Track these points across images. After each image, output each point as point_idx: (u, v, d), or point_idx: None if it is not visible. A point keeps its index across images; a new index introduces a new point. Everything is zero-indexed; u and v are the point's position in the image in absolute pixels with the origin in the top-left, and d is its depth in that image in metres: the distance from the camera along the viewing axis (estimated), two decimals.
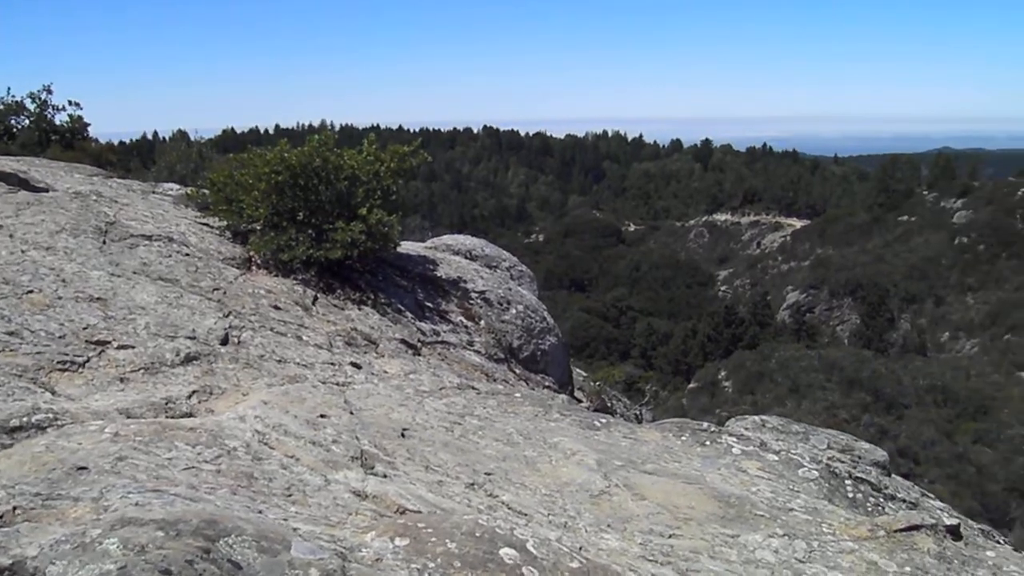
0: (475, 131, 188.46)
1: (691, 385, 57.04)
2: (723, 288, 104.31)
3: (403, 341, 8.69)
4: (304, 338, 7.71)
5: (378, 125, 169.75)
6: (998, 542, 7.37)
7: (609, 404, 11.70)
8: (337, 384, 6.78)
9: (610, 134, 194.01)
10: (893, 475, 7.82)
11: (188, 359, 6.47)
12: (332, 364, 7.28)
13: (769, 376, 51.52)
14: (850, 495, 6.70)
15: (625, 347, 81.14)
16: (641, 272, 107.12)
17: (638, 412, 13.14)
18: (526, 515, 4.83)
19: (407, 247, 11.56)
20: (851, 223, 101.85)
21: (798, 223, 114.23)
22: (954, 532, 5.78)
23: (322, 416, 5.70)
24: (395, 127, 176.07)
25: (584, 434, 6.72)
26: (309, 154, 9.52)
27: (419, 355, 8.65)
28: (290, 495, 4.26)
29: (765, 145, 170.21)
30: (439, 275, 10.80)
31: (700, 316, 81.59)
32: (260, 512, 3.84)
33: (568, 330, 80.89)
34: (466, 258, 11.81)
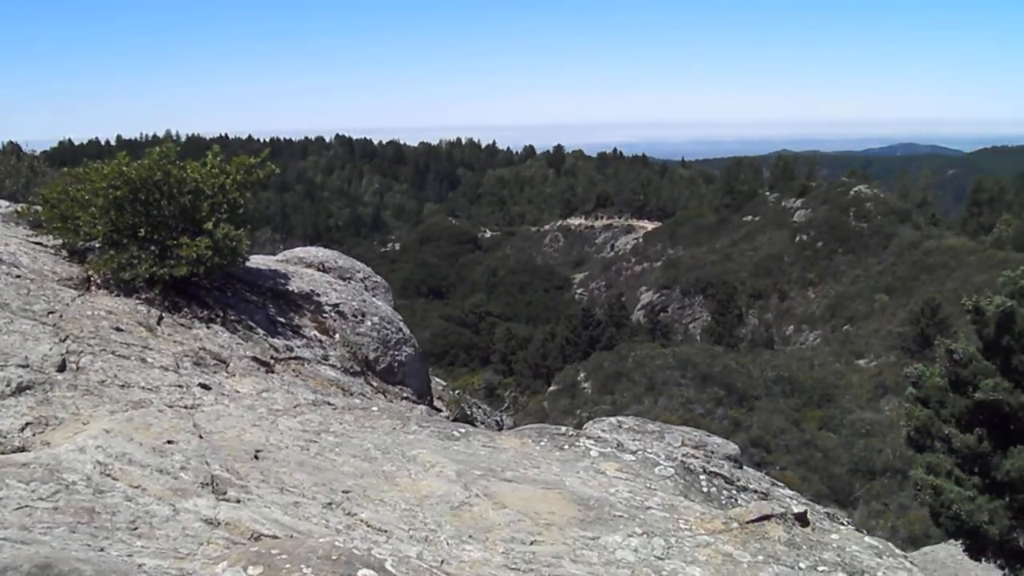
0: (327, 140, 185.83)
1: (551, 388, 57.64)
2: (579, 291, 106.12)
3: (255, 359, 8.43)
4: (149, 360, 7.37)
5: (226, 135, 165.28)
6: (842, 524, 7.73)
7: (469, 412, 11.67)
8: (185, 407, 6.51)
9: (464, 141, 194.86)
10: (745, 467, 8.10)
11: (20, 389, 6.06)
12: (180, 386, 6.98)
13: (627, 375, 52.62)
14: (705, 489, 6.89)
15: (485, 353, 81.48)
16: (499, 278, 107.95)
17: (499, 419, 13.17)
18: (386, 532, 4.74)
19: (257, 261, 11.23)
20: (699, 224, 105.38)
21: (649, 225, 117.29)
22: (802, 519, 6.01)
23: (169, 442, 5.45)
24: (244, 137, 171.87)
25: (443, 445, 6.67)
26: (149, 167, 9.11)
27: (272, 372, 8.41)
28: (135, 528, 4.05)
29: (616, 150, 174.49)
30: (291, 289, 10.54)
31: (558, 319, 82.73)
32: (102, 550, 3.63)
33: (428, 338, 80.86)
34: (319, 270, 11.57)
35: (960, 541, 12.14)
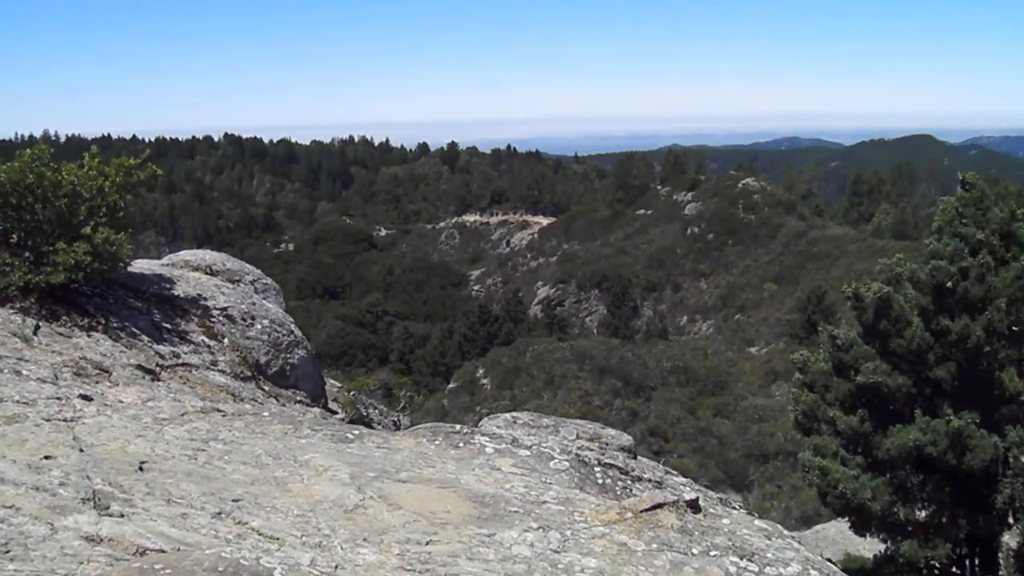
0: (216, 139, 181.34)
1: (451, 385, 57.57)
2: (476, 287, 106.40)
3: (140, 367, 8.15)
4: (24, 372, 7.05)
5: (109, 135, 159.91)
6: (734, 508, 7.94)
7: (365, 414, 11.55)
8: (64, 420, 6.24)
9: (357, 139, 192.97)
10: (639, 457, 8.23)
11: None
12: (58, 399, 6.69)
13: (525, 370, 52.94)
14: (600, 481, 6.97)
15: (383, 353, 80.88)
16: (395, 276, 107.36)
17: (396, 419, 13.07)
18: (278, 539, 4.64)
19: (141, 266, 10.87)
20: (593, 218, 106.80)
21: (544, 220, 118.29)
22: (694, 505, 6.13)
23: (47, 457, 5.22)
24: (128, 137, 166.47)
25: (337, 448, 6.58)
26: (20, 170, 8.70)
27: (158, 380, 8.15)
28: (8, 551, 3.86)
29: (509, 146, 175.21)
30: (177, 294, 10.23)
31: (455, 316, 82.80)
32: None
33: (324, 340, 79.82)
34: (206, 273, 11.26)
35: (846, 518, 12.61)
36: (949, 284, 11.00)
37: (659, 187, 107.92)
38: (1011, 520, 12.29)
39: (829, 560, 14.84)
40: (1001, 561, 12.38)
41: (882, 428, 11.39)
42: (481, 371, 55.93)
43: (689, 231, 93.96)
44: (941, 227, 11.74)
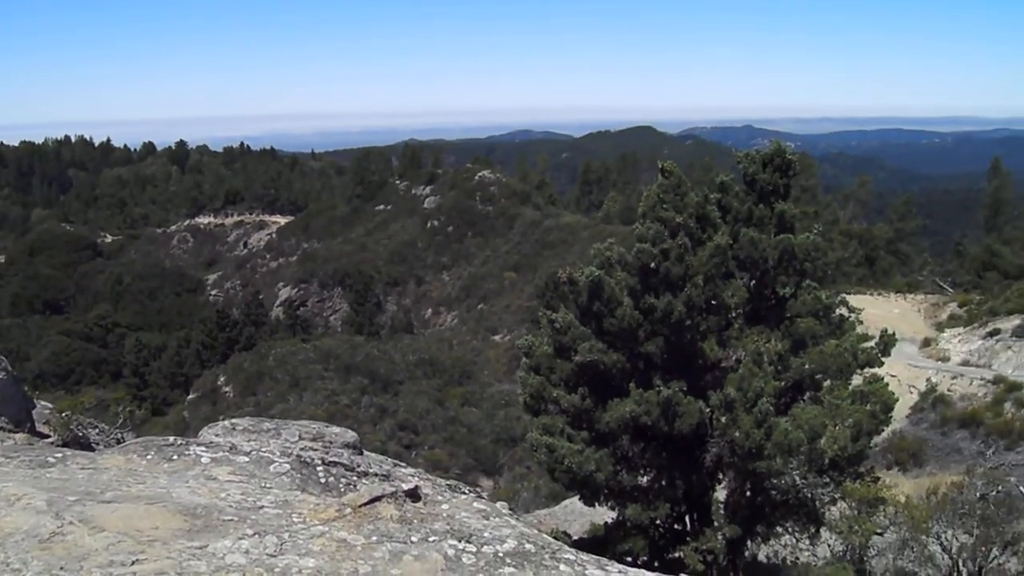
0: None
1: (190, 396, 55.07)
2: (214, 292, 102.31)
3: None
4: None
5: None
6: (463, 493, 8.15)
7: (82, 434, 10.85)
8: None
9: (74, 139, 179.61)
10: (365, 452, 8.26)
11: None
12: None
13: (269, 374, 51.55)
14: (323, 480, 6.94)
15: (116, 367, 76.01)
16: (124, 285, 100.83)
17: (120, 436, 12.37)
18: None
19: None
20: (333, 216, 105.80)
21: (283, 220, 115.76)
22: (413, 495, 6.27)
23: None
24: None
25: (34, 474, 6.15)
26: None
27: None
28: None
29: (243, 144, 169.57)
30: None
31: (192, 324, 79.16)
32: None
33: (48, 357, 74.10)
34: None
35: (576, 491, 13.31)
36: (653, 265, 11.84)
37: (397, 182, 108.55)
38: (720, 476, 13.45)
39: (565, 533, 15.62)
40: (714, 514, 13.52)
41: (602, 403, 12.10)
42: (222, 379, 53.92)
43: (429, 224, 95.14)
44: (645, 212, 12.59)
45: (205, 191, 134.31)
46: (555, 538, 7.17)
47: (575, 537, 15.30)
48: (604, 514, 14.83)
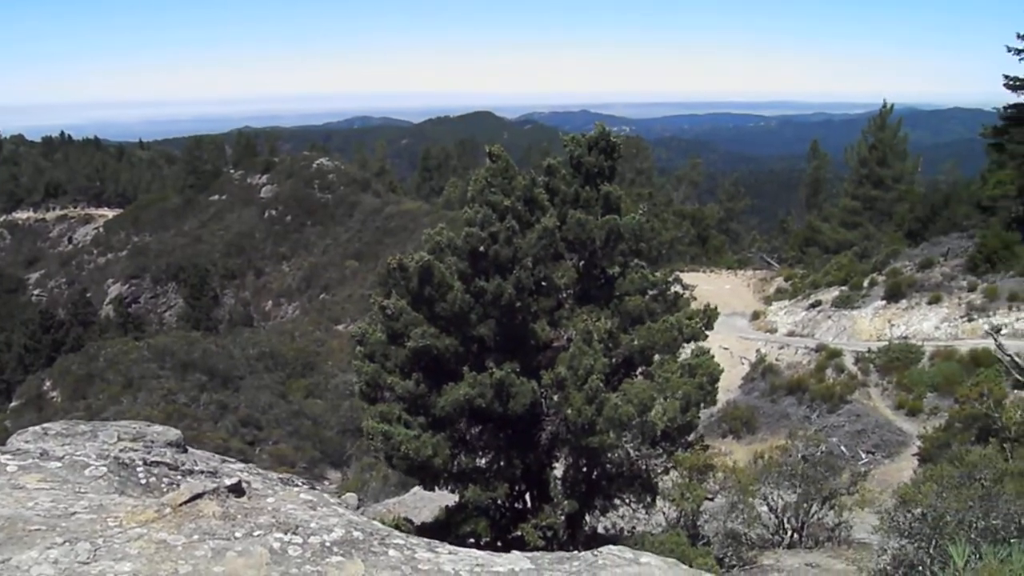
0: None
1: (13, 404, 52.01)
2: (36, 292, 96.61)
3: None
4: None
5: None
6: (296, 486, 8.07)
7: None
8: None
9: None
10: (190, 449, 8.05)
11: None
12: None
13: (100, 376, 49.30)
14: (143, 481, 6.72)
15: None
16: None
17: None
18: None
19: None
20: (165, 207, 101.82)
21: (110, 213, 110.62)
22: (236, 490, 6.16)
23: None
24: None
25: None
26: None
27: None
28: None
29: (63, 133, 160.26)
30: None
31: (13, 326, 74.69)
32: None
33: None
34: None
35: (415, 477, 13.39)
36: (482, 248, 11.98)
37: (232, 171, 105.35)
38: (557, 453, 13.80)
39: (407, 520, 15.66)
40: (552, 490, 13.85)
41: (437, 388, 12.17)
42: (48, 383, 51.24)
43: (267, 214, 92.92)
44: (474, 196, 12.73)
45: (23, 184, 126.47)
46: (396, 526, 7.22)
47: (418, 523, 15.38)
48: (450, 499, 14.96)
